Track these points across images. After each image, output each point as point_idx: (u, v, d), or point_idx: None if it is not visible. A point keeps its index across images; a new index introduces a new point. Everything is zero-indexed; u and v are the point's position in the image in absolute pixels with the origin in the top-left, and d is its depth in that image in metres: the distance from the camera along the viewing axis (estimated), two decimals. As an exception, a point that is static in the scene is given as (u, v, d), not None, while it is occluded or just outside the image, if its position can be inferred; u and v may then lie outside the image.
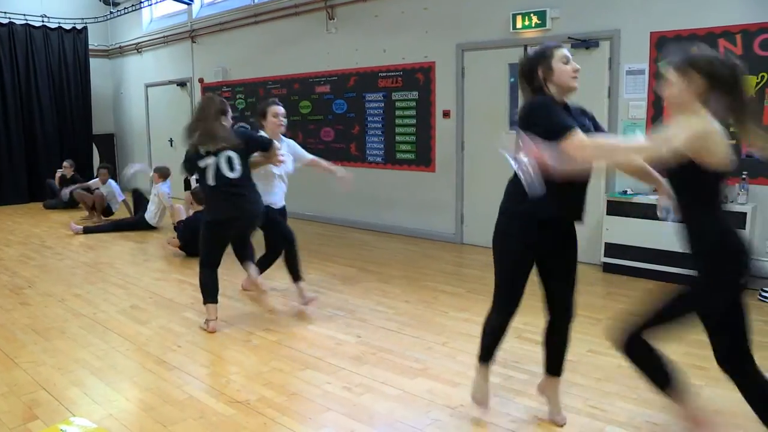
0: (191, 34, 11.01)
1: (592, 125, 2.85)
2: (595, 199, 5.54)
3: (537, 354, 3.95)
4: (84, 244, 7.69)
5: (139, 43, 12.33)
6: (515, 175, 2.75)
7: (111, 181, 9.59)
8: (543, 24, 6.41)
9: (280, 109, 4.95)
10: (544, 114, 2.68)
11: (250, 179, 4.52)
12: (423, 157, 7.78)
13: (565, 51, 2.90)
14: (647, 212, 5.47)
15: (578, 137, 2.55)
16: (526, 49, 6.55)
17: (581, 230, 2.94)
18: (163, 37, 11.67)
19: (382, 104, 8.12)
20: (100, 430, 3.00)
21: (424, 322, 4.68)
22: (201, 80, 11.04)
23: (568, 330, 3.01)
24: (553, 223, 2.85)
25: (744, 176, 5.24)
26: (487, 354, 3.07)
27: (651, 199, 5.47)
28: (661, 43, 5.71)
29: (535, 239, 2.83)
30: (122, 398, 3.42)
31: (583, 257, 6.05)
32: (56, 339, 4.36)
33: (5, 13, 11.37)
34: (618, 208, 5.77)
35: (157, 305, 5.17)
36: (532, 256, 2.89)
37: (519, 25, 6.57)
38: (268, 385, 3.59)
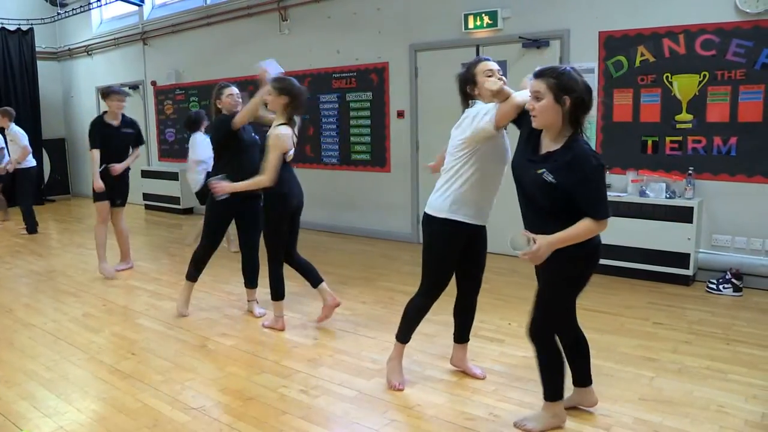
0: (143, 36, 10.83)
1: None
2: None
3: (492, 351, 4.02)
4: (34, 252, 7.50)
5: (89, 45, 12.05)
6: None
7: (13, 126, 8.91)
8: (494, 24, 6.49)
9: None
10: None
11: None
12: (378, 158, 7.79)
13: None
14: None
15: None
16: (478, 50, 6.63)
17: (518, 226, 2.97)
18: (114, 39, 11.44)
19: (337, 105, 8.11)
20: (49, 443, 2.94)
21: (380, 322, 4.69)
22: (154, 83, 10.87)
23: None
24: None
25: (690, 172, 5.39)
26: None
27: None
28: (609, 42, 5.83)
29: None
30: (74, 409, 3.35)
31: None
32: (3, 351, 4.24)
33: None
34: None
35: (110, 313, 5.07)
36: None
37: (471, 25, 6.63)
38: (223, 390, 3.56)
